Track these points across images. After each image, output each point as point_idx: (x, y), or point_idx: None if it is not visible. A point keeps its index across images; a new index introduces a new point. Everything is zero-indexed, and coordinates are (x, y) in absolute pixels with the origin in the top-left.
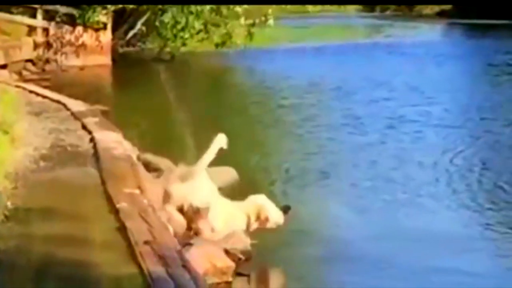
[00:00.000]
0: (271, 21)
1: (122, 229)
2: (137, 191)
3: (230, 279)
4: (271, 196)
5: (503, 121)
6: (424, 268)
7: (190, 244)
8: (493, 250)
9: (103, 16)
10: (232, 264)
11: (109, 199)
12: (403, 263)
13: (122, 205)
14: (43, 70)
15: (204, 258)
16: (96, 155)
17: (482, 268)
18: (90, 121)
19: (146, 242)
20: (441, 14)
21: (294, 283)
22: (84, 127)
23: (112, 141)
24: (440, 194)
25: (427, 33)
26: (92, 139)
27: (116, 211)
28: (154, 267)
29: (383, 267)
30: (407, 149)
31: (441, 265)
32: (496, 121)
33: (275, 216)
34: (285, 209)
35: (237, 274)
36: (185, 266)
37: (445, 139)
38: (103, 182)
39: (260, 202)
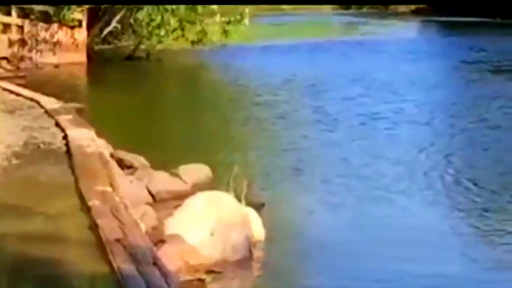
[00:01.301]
0: (246, 20)
1: (94, 227)
2: (109, 189)
3: (203, 276)
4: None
5: (475, 118)
6: (395, 263)
7: (163, 242)
8: (462, 244)
9: (78, 13)
10: (205, 262)
11: (81, 197)
12: (375, 257)
13: (94, 202)
14: (18, 67)
15: (177, 256)
16: (69, 152)
17: (452, 262)
18: (63, 119)
19: (117, 240)
20: (416, 12)
21: (269, 277)
22: (57, 124)
23: (85, 138)
24: (412, 191)
25: (402, 31)
26: (65, 137)
27: (88, 209)
28: (125, 265)
29: (356, 262)
30: (380, 145)
31: (412, 259)
32: (468, 118)
33: (256, 233)
34: (259, 206)
35: (210, 271)
36: (156, 263)
37: (417, 136)
38: (76, 180)
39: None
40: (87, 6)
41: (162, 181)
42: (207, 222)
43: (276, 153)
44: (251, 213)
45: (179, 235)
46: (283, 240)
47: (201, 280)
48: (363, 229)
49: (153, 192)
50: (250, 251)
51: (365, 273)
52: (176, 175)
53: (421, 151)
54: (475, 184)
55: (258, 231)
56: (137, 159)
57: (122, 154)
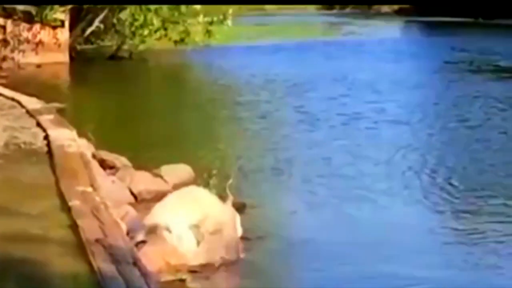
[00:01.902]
0: (229, 21)
1: (74, 227)
2: (89, 189)
3: (184, 276)
4: (225, 192)
5: (456, 118)
6: (377, 263)
7: (144, 242)
8: (443, 244)
9: (60, 13)
10: (186, 262)
11: (61, 197)
12: (356, 257)
13: (74, 203)
14: (0, 67)
15: (158, 256)
16: (50, 153)
17: (433, 261)
18: (45, 119)
19: (97, 240)
20: (399, 13)
21: (250, 277)
22: (39, 124)
23: (67, 138)
24: (393, 190)
25: (385, 31)
26: (46, 137)
27: (68, 209)
28: (105, 265)
29: (337, 261)
30: (362, 145)
31: (393, 258)
32: (449, 118)
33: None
34: (240, 206)
35: (190, 271)
36: (136, 263)
37: (398, 136)
38: (56, 180)
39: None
40: (69, 6)
41: (144, 181)
42: (189, 214)
43: (258, 153)
44: (233, 211)
45: (160, 235)
46: (264, 240)
47: (182, 281)
48: (344, 229)
49: (135, 192)
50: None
51: (346, 273)
52: (158, 175)
53: (402, 151)
54: (456, 184)
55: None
56: (119, 159)
57: (104, 154)
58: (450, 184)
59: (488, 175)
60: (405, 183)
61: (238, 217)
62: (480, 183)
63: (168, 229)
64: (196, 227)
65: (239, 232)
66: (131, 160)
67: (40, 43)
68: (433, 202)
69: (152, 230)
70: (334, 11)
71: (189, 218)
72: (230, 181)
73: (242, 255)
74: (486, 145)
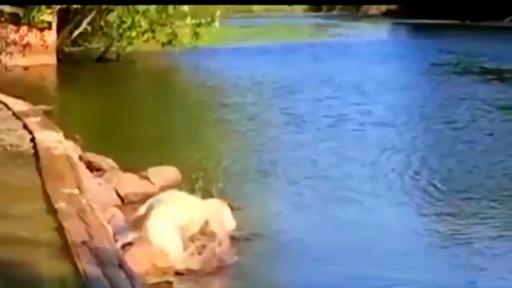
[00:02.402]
0: (216, 23)
1: (60, 229)
2: (76, 191)
3: (171, 278)
4: (212, 194)
5: (442, 119)
6: (361, 263)
7: (131, 244)
8: (428, 245)
9: (48, 15)
10: (173, 264)
11: (47, 199)
12: (341, 258)
13: (60, 205)
14: None
15: (145, 258)
16: (36, 155)
17: (417, 263)
18: (31, 121)
19: (83, 242)
20: (387, 15)
21: (236, 278)
22: (25, 126)
23: (53, 141)
24: (379, 192)
25: (372, 33)
26: (33, 139)
27: (54, 211)
28: (90, 267)
29: (323, 262)
30: (347, 147)
31: (378, 260)
32: (436, 119)
33: (225, 224)
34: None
35: (177, 273)
36: (122, 265)
37: (385, 137)
38: (43, 182)
39: (212, 206)
40: (57, 8)
41: (131, 183)
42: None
43: (245, 154)
44: (219, 205)
45: (147, 237)
46: (251, 241)
47: (169, 283)
48: (330, 230)
49: (122, 194)
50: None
51: (331, 274)
52: (145, 177)
53: (388, 153)
54: (441, 186)
55: (228, 222)
56: (106, 161)
57: (91, 156)
58: (435, 185)
59: (473, 177)
60: (390, 185)
61: (227, 212)
62: (465, 184)
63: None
64: (182, 229)
65: (232, 225)
66: (118, 162)
67: (27, 45)
68: (418, 203)
69: (137, 225)
70: (322, 13)
71: (175, 221)
72: (220, 184)
73: (232, 260)
74: (472, 147)
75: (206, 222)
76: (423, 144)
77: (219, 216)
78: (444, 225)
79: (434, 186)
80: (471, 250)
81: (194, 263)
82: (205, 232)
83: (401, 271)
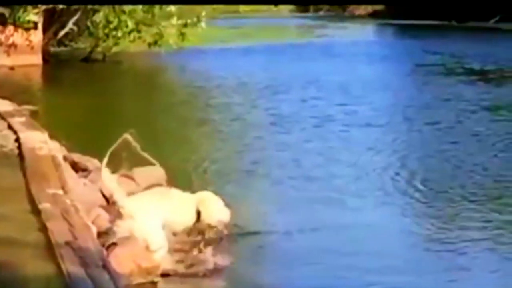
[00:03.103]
0: (202, 23)
1: (44, 229)
2: (60, 192)
3: (155, 279)
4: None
5: (428, 120)
6: (345, 263)
7: (115, 244)
8: (409, 246)
9: (34, 15)
10: (157, 264)
11: (31, 200)
12: (326, 259)
13: (44, 205)
14: None
15: (129, 258)
16: (21, 155)
17: (400, 264)
18: (16, 121)
19: (67, 243)
20: (373, 15)
21: (220, 278)
22: (10, 127)
23: (38, 141)
24: (364, 192)
25: (359, 33)
26: (17, 139)
27: (38, 212)
28: (74, 268)
29: (308, 263)
30: (333, 147)
31: (362, 260)
32: (421, 120)
33: (218, 214)
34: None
35: (162, 275)
36: (105, 266)
37: (370, 138)
38: (27, 183)
39: (203, 197)
40: (42, 8)
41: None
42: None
43: (229, 154)
44: (209, 196)
45: (132, 237)
46: (235, 241)
47: (154, 283)
48: (314, 230)
49: (107, 194)
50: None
51: (314, 274)
52: (130, 177)
53: (373, 153)
54: (427, 186)
55: (221, 213)
56: (91, 162)
57: (76, 156)
58: (419, 186)
59: (457, 178)
60: (375, 186)
61: (220, 202)
62: (448, 185)
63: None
64: (169, 226)
65: (226, 216)
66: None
67: (12, 45)
68: (404, 204)
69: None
70: (308, 13)
71: (160, 218)
72: (205, 184)
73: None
74: (456, 148)
75: (198, 213)
76: (408, 144)
77: (212, 207)
78: (427, 226)
79: (418, 187)
80: (455, 252)
81: (180, 266)
82: (198, 226)
83: (383, 272)
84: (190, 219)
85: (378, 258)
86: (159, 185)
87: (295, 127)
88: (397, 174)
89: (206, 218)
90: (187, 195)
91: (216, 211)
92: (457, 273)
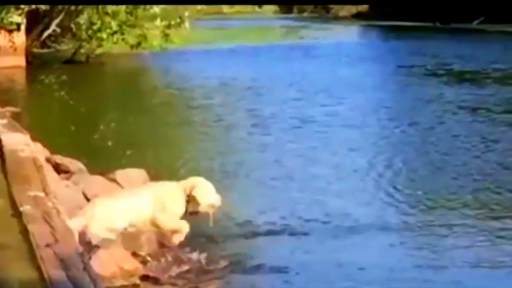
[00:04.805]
0: (186, 23)
1: (25, 232)
2: (41, 194)
3: (137, 281)
4: None
5: (409, 121)
6: (328, 264)
7: (97, 247)
8: (390, 246)
9: (17, 16)
10: (139, 266)
11: (13, 202)
12: (306, 260)
13: (25, 208)
14: None
15: (111, 261)
16: (2, 157)
17: (384, 259)
18: None
19: (47, 246)
20: (357, 16)
21: (205, 281)
22: None
23: (20, 143)
24: (345, 193)
25: (342, 35)
26: None
27: (19, 214)
28: (55, 271)
29: (289, 265)
30: (314, 148)
31: (346, 260)
32: (403, 121)
33: (209, 198)
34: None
35: (143, 277)
36: (86, 269)
37: (351, 139)
38: (8, 185)
39: (193, 182)
40: (25, 9)
41: (99, 186)
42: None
43: (211, 156)
44: (201, 181)
45: (113, 240)
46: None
47: (136, 285)
48: (296, 230)
49: (89, 196)
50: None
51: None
52: (112, 179)
53: (354, 154)
54: (409, 187)
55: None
56: (73, 164)
57: (58, 158)
58: (401, 187)
59: (442, 178)
60: (357, 186)
61: (211, 187)
62: (430, 186)
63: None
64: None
65: (218, 201)
66: (85, 165)
67: None
68: (385, 204)
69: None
70: (292, 15)
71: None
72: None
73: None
74: (438, 149)
75: (193, 198)
76: (390, 145)
77: (204, 191)
78: (409, 226)
79: (399, 187)
80: (432, 251)
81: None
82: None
83: (365, 272)
84: (180, 208)
85: (359, 257)
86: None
87: (277, 128)
88: (379, 175)
89: (200, 200)
90: (174, 184)
91: (208, 195)
92: (438, 271)
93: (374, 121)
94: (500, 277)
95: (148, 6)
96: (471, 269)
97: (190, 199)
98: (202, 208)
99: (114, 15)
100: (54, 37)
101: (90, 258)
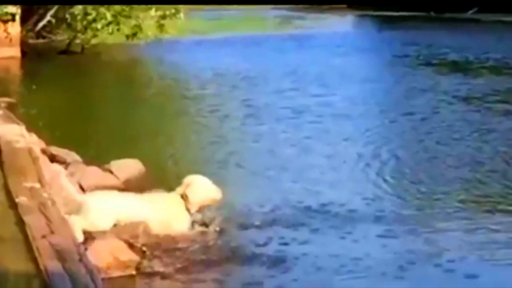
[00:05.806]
0: (181, 14)
1: (21, 223)
2: (37, 185)
3: (133, 272)
4: (173, 186)
5: (404, 111)
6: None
7: (93, 238)
8: (381, 237)
9: (12, 7)
10: (135, 258)
11: (8, 194)
12: (302, 251)
13: (21, 199)
14: None
15: (107, 252)
16: None
17: (380, 250)
18: None
19: (43, 237)
20: (352, 7)
21: (202, 271)
22: None
23: (15, 134)
24: (338, 183)
25: (337, 25)
26: None
27: (15, 206)
28: (51, 262)
29: (284, 256)
30: (308, 138)
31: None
32: (397, 111)
33: (204, 195)
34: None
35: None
36: (82, 260)
37: (346, 129)
38: (4, 176)
39: (187, 181)
40: None
41: (94, 177)
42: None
43: (204, 146)
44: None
45: (109, 231)
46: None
47: (132, 276)
48: (289, 221)
49: (85, 187)
50: None
51: (291, 268)
52: (108, 170)
53: (348, 144)
54: (403, 176)
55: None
56: (69, 155)
57: (54, 149)
58: (397, 176)
59: (438, 168)
60: (351, 176)
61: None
62: (424, 175)
63: None
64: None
65: (218, 195)
66: (81, 155)
67: None
68: (379, 194)
69: None
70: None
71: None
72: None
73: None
74: (433, 138)
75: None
76: (385, 135)
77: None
78: (403, 215)
79: (395, 177)
80: (427, 241)
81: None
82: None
83: (359, 263)
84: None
85: (355, 247)
86: (138, 177)
87: (271, 118)
88: (373, 165)
89: (192, 199)
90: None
91: (202, 192)
92: (433, 262)
93: (368, 111)
94: (495, 268)
95: None
96: (465, 260)
97: (184, 199)
98: (202, 204)
99: (109, 5)
100: (49, 27)
101: (86, 249)
